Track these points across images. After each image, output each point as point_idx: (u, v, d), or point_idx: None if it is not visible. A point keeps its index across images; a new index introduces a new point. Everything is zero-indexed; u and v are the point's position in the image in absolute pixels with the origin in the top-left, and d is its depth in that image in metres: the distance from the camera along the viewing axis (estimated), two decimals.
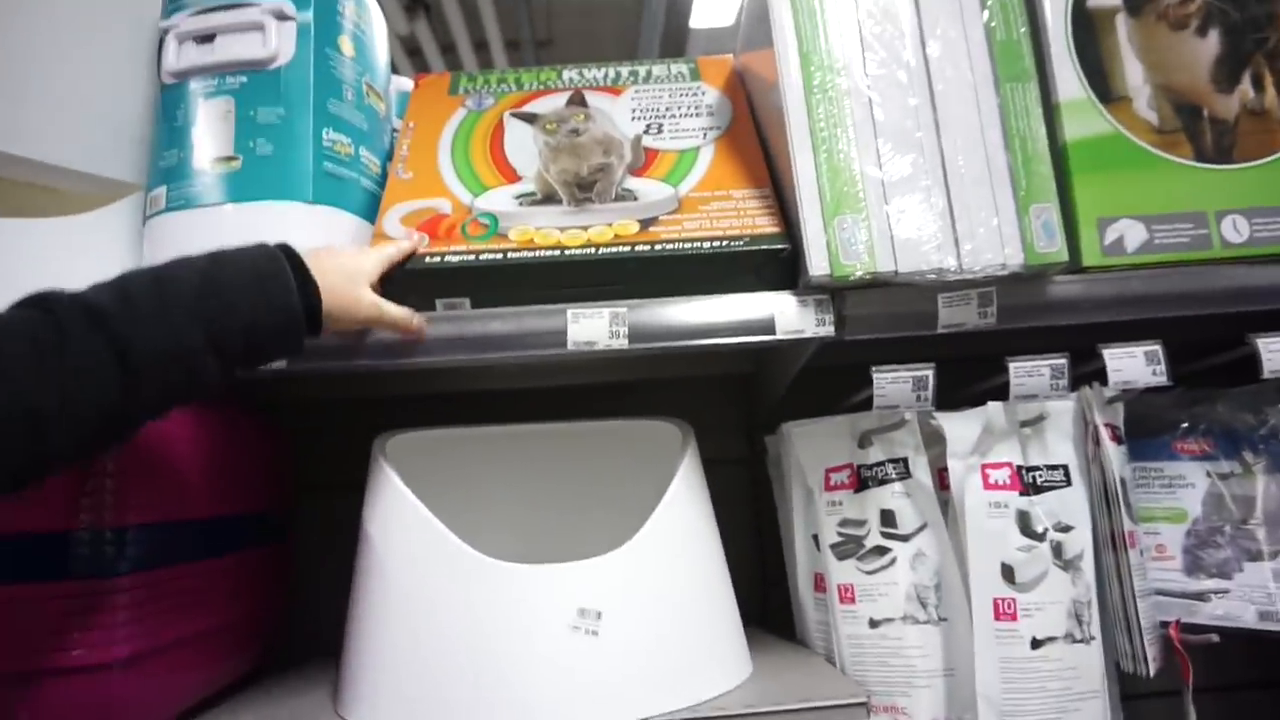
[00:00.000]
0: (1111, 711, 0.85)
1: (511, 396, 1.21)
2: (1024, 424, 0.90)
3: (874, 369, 0.84)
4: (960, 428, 0.88)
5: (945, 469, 0.88)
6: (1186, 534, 0.93)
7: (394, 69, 1.13)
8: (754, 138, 1.00)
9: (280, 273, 0.70)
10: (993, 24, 0.86)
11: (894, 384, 0.83)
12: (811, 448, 0.97)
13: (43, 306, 0.58)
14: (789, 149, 0.83)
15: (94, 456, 0.72)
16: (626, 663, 0.78)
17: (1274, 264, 0.83)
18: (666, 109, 1.04)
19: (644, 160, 0.97)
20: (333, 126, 0.92)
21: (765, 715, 0.76)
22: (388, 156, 1.02)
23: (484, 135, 1.02)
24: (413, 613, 0.81)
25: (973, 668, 0.83)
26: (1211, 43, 0.87)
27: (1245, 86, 0.86)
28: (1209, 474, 0.93)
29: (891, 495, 0.91)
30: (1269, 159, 0.85)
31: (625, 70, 1.12)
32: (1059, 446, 0.89)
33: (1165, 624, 0.89)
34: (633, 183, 0.94)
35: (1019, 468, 0.88)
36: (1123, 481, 0.88)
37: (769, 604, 1.16)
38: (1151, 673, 0.85)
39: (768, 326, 0.83)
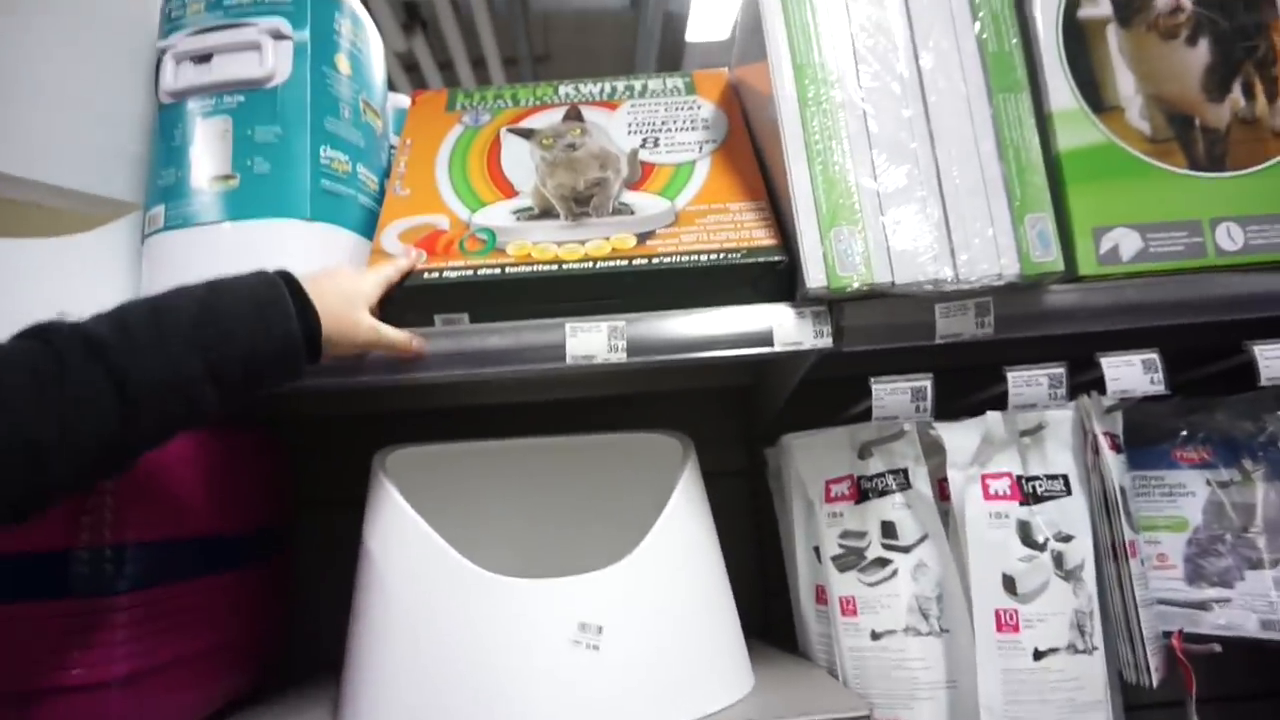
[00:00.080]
0: None
1: (511, 410, 1.21)
2: (1023, 434, 0.90)
3: (872, 380, 0.84)
4: (959, 438, 0.88)
5: (945, 479, 0.88)
6: (1187, 543, 0.93)
7: (392, 85, 1.14)
8: (750, 150, 1.00)
9: (279, 299, 0.70)
10: (984, 35, 0.86)
11: (892, 395, 0.83)
12: (811, 460, 0.97)
13: (42, 338, 0.58)
14: (784, 161, 0.83)
15: (93, 485, 0.72)
16: (627, 677, 0.78)
17: (1269, 271, 0.83)
18: (662, 123, 1.05)
19: (640, 174, 0.97)
20: (330, 144, 0.92)
21: None
22: (385, 173, 1.03)
23: (481, 151, 1.02)
24: (413, 628, 0.80)
25: (975, 680, 0.82)
26: (1201, 52, 0.87)
27: (1236, 95, 0.87)
28: (1209, 482, 0.93)
29: (892, 506, 0.91)
30: (1262, 167, 0.85)
31: (621, 85, 1.12)
32: (1058, 456, 0.89)
33: (1168, 634, 0.89)
34: (629, 197, 0.94)
35: (1019, 477, 0.88)
36: (1122, 490, 0.88)
37: (771, 616, 1.16)
38: (1154, 683, 0.84)
39: (766, 339, 0.83)
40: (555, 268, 0.86)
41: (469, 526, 0.91)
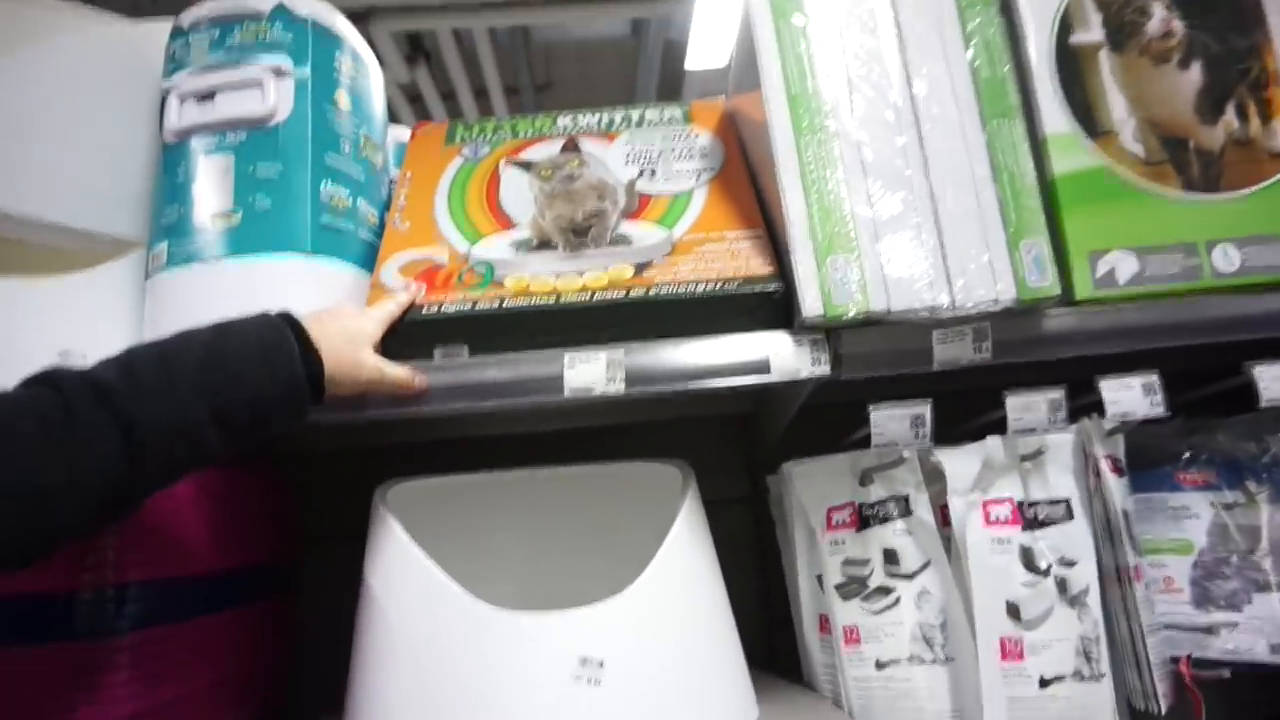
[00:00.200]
0: None
1: (512, 441, 1.21)
2: (1024, 458, 0.89)
3: (871, 407, 0.84)
4: (960, 464, 0.88)
5: (946, 505, 0.88)
6: (1193, 566, 0.92)
7: (395, 116, 1.15)
8: (746, 179, 1.01)
9: (283, 342, 0.71)
10: (977, 62, 0.87)
11: (891, 421, 0.83)
12: (812, 487, 0.97)
13: (50, 384, 0.59)
14: (779, 190, 0.84)
15: (99, 530, 0.73)
16: (629, 711, 0.77)
17: (1266, 293, 0.83)
18: (659, 153, 1.05)
19: (638, 204, 0.98)
20: (330, 180, 0.93)
21: None
22: (386, 206, 1.04)
23: (480, 184, 1.03)
24: (415, 663, 0.80)
25: (981, 708, 0.82)
26: (1194, 75, 0.88)
27: (1229, 117, 0.87)
28: (1213, 504, 0.92)
29: (894, 534, 0.90)
30: (1257, 188, 0.85)
31: (618, 116, 1.13)
32: (1060, 480, 0.89)
33: (1176, 659, 0.88)
34: (627, 227, 0.95)
35: (1020, 503, 0.87)
36: (1125, 514, 0.87)
37: (775, 645, 1.15)
38: (1163, 710, 0.83)
39: (763, 367, 0.83)
40: (553, 300, 0.86)
41: (471, 558, 0.91)
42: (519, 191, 1.01)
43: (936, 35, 0.88)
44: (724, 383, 0.83)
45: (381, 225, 1.01)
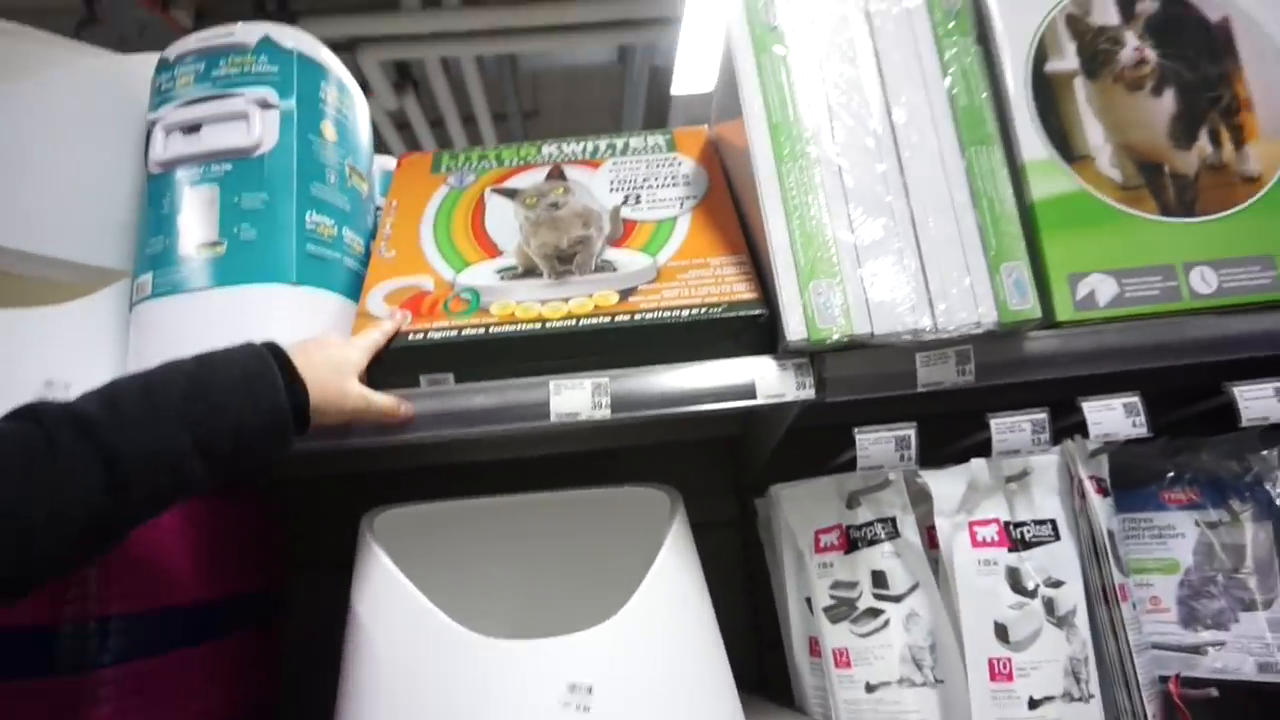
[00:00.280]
0: None
1: (499, 467, 1.21)
2: (1009, 479, 0.90)
3: (856, 430, 0.84)
4: (946, 485, 0.88)
5: (933, 527, 0.88)
6: (1180, 585, 0.93)
7: (383, 143, 1.16)
8: (729, 205, 1.02)
9: (267, 372, 0.71)
10: (955, 90, 0.88)
11: (876, 444, 0.84)
12: (800, 510, 0.97)
13: (32, 418, 0.59)
14: (762, 217, 0.85)
15: (84, 563, 0.72)
16: None
17: (1243, 314, 0.84)
18: (644, 180, 1.06)
19: (623, 231, 0.99)
20: (316, 209, 0.94)
21: None
22: (371, 235, 1.04)
23: (465, 212, 1.04)
24: (403, 692, 0.79)
25: None
26: (1167, 102, 0.90)
27: (1203, 143, 0.89)
28: (1198, 523, 0.93)
29: (882, 555, 0.90)
30: (1231, 211, 0.87)
31: (603, 143, 1.14)
32: (1045, 501, 0.90)
33: (1165, 678, 0.88)
34: (612, 254, 0.96)
35: (1006, 524, 0.88)
36: (1110, 534, 0.88)
37: (766, 668, 1.15)
38: None
39: (749, 391, 0.84)
40: (539, 326, 0.86)
41: (458, 584, 0.91)
42: (504, 219, 1.02)
43: (915, 64, 0.89)
44: (709, 407, 0.84)
45: (368, 253, 1.01)
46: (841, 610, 0.91)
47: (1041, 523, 0.88)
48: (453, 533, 1.06)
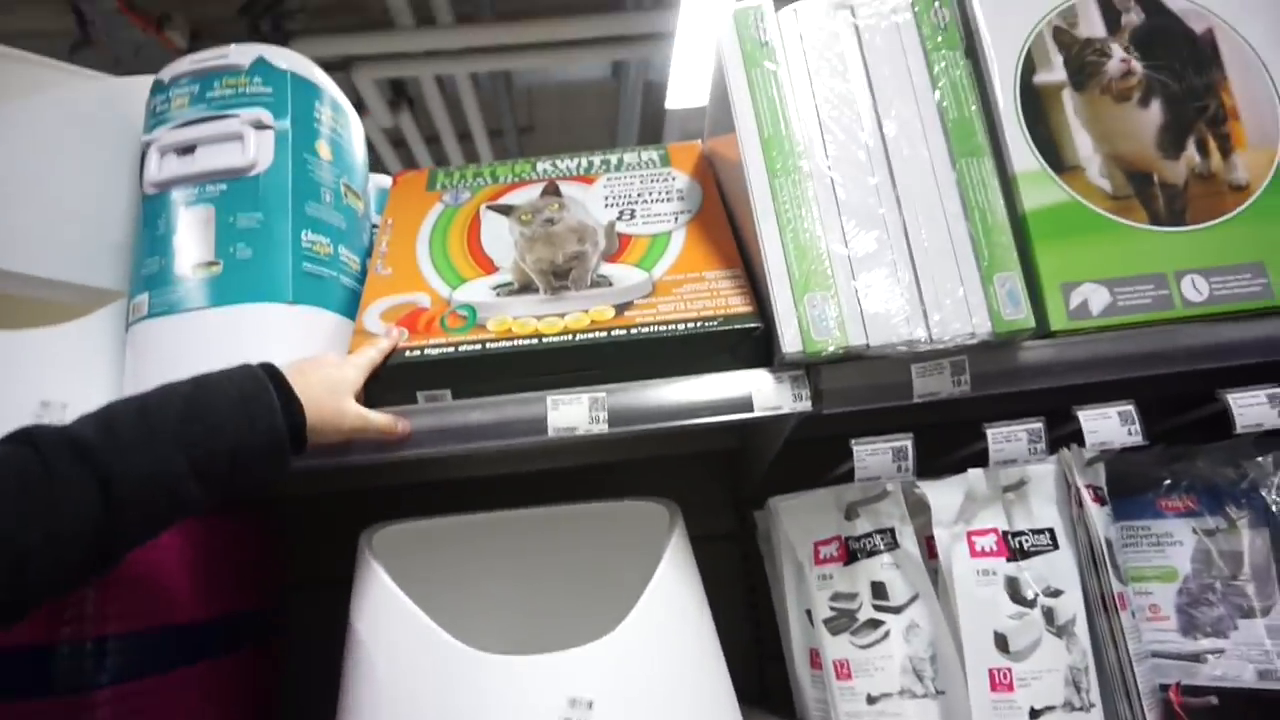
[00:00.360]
0: None
1: (497, 482, 1.21)
2: (1006, 489, 0.90)
3: (853, 442, 0.84)
4: (944, 496, 0.88)
5: (932, 537, 0.88)
6: (1178, 593, 0.93)
7: (379, 160, 1.17)
8: (724, 219, 1.02)
9: (263, 393, 0.71)
10: (944, 103, 0.89)
11: (874, 456, 0.84)
12: (799, 522, 0.97)
13: (28, 442, 0.60)
14: (756, 230, 0.85)
15: (82, 585, 0.72)
16: None
17: (1235, 321, 0.85)
18: (638, 195, 1.07)
19: (618, 246, 0.99)
20: (311, 228, 0.94)
21: None
22: (367, 253, 1.05)
23: (461, 228, 1.04)
24: (402, 707, 0.79)
25: None
26: (1154, 113, 0.91)
27: (1191, 153, 0.90)
28: (1195, 531, 0.93)
29: (881, 567, 0.90)
30: (1220, 220, 0.88)
31: (598, 159, 1.15)
32: (1043, 510, 0.90)
33: (1165, 687, 0.88)
34: (607, 269, 0.96)
35: (1004, 533, 0.88)
36: (1108, 543, 0.88)
37: (767, 681, 1.15)
38: None
39: (745, 404, 0.84)
40: (535, 341, 0.87)
41: (457, 600, 0.91)
42: (500, 235, 1.02)
43: (905, 78, 0.90)
44: (706, 420, 0.84)
45: (364, 271, 1.02)
46: (842, 622, 0.91)
47: (1040, 532, 0.88)
48: (452, 548, 1.06)
